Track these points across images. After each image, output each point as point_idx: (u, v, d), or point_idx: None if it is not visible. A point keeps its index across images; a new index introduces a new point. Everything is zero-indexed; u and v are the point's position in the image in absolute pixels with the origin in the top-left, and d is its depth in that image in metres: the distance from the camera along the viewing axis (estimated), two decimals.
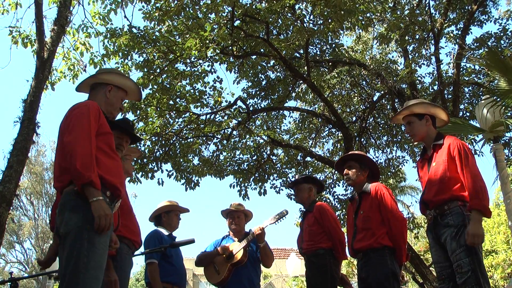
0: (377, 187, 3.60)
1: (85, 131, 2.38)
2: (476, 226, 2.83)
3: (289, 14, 8.15)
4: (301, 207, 10.45)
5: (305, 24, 7.99)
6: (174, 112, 8.97)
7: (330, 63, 9.80)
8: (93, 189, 2.28)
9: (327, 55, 9.83)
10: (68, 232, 2.28)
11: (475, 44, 9.43)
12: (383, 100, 10.30)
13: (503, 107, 4.94)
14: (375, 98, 10.36)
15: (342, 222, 10.18)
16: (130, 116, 8.50)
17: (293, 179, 4.73)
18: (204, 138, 9.59)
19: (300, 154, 10.29)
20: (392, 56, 10.46)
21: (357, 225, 3.60)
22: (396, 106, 9.82)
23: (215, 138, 9.63)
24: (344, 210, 10.22)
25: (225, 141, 9.63)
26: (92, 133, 2.40)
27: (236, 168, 10.03)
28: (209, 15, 7.92)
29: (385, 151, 10.78)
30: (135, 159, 7.93)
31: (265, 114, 10.39)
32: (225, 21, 7.93)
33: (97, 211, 2.25)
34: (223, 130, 9.44)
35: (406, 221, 3.54)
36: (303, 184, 4.29)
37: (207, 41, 7.59)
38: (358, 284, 3.65)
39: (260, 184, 10.03)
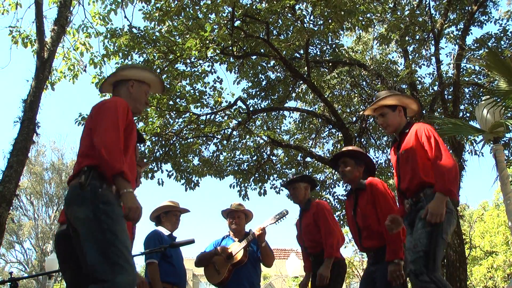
0: (371, 183, 3.56)
1: (114, 125, 2.41)
2: (437, 204, 2.82)
3: (289, 15, 8.15)
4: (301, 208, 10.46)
5: (305, 25, 7.99)
6: (174, 112, 8.97)
7: (330, 64, 9.80)
8: (123, 181, 2.30)
9: (327, 55, 9.84)
10: (82, 226, 2.30)
11: (475, 45, 9.44)
12: None
13: (503, 108, 4.93)
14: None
15: (342, 222, 10.20)
16: None
17: (288, 179, 4.69)
18: (204, 138, 9.59)
19: (300, 154, 10.29)
20: (392, 57, 10.49)
21: (358, 223, 3.58)
22: None
23: (215, 138, 9.63)
24: (344, 210, 10.22)
25: (225, 141, 9.63)
26: (121, 128, 2.44)
27: (236, 168, 10.03)
28: (209, 16, 7.92)
29: (385, 151, 10.79)
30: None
31: (265, 114, 10.39)
32: (225, 22, 7.93)
33: (128, 202, 2.27)
34: (223, 130, 9.44)
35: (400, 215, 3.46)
36: (299, 183, 4.26)
37: (207, 41, 7.59)
38: (362, 275, 3.63)
39: (260, 184, 10.04)
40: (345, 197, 10.29)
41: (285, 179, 10.39)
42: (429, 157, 3.00)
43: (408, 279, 3.21)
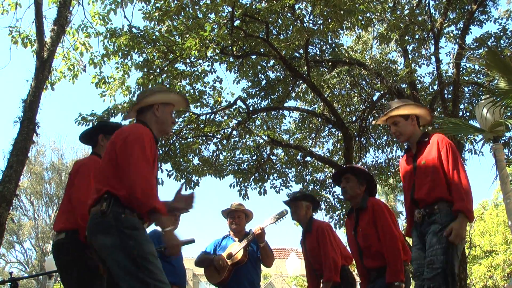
0: (374, 203, 3.56)
1: (146, 160, 2.41)
2: (461, 226, 2.84)
3: (289, 14, 8.15)
4: None
5: (305, 24, 7.99)
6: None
7: (330, 63, 9.79)
8: (160, 217, 2.36)
9: (327, 55, 9.83)
10: (110, 254, 2.28)
11: (475, 44, 9.43)
12: (383, 100, 10.30)
13: (503, 107, 4.94)
14: (375, 98, 10.36)
15: (342, 222, 10.20)
16: None
17: (290, 196, 4.67)
18: (204, 138, 9.59)
19: (300, 154, 10.29)
20: (392, 56, 10.47)
21: (359, 243, 3.57)
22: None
23: (215, 138, 9.63)
24: (343, 210, 10.22)
25: (225, 141, 9.63)
26: (150, 162, 2.44)
27: (236, 168, 10.03)
28: (209, 15, 7.92)
29: (385, 150, 10.79)
30: None
31: (265, 114, 10.39)
32: (225, 21, 7.93)
33: (169, 241, 2.40)
34: (223, 130, 9.44)
35: (400, 239, 3.39)
36: (301, 201, 4.22)
37: (207, 41, 7.59)
38: None
39: (260, 184, 10.04)
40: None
41: (285, 179, 10.39)
42: (447, 171, 2.99)
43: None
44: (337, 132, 10.83)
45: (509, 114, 5.47)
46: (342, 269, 3.95)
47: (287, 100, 10.31)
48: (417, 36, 8.72)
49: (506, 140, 9.25)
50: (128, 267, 2.23)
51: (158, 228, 4.10)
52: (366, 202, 3.59)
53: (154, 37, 8.15)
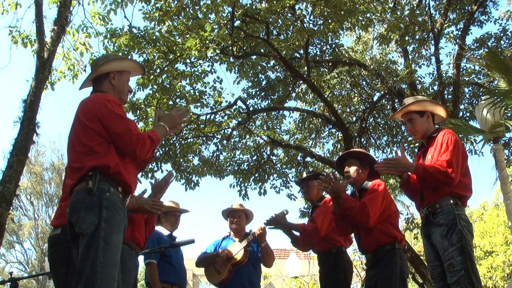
0: (375, 184, 3.56)
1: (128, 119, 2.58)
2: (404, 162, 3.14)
3: (289, 14, 8.15)
4: (301, 208, 10.37)
5: (305, 24, 7.99)
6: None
7: (330, 63, 9.79)
8: (160, 130, 2.68)
9: (327, 55, 9.83)
10: (86, 231, 2.29)
11: (475, 45, 9.43)
12: (383, 100, 10.30)
13: (503, 108, 4.94)
14: (375, 98, 10.36)
15: None
16: (130, 116, 8.50)
17: (302, 176, 4.67)
18: (204, 138, 9.59)
19: (300, 154, 10.29)
20: (392, 57, 10.47)
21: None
22: (396, 106, 9.82)
23: (215, 138, 9.64)
24: None
25: (225, 141, 9.64)
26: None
27: (236, 168, 10.03)
28: (209, 15, 7.92)
29: (385, 151, 10.78)
30: None
31: (265, 114, 10.39)
32: (225, 21, 7.93)
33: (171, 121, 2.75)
34: (223, 130, 9.44)
35: (370, 215, 3.31)
36: (313, 181, 4.18)
37: (207, 41, 7.59)
38: (365, 282, 3.64)
39: (260, 184, 10.03)
40: None
41: (285, 179, 10.39)
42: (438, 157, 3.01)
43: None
44: (337, 133, 10.82)
45: (509, 114, 5.46)
46: (341, 251, 3.97)
47: (287, 101, 10.32)
48: (417, 37, 8.72)
49: (506, 140, 9.23)
50: (92, 248, 2.24)
51: (159, 229, 4.17)
52: (368, 183, 3.60)
53: (154, 37, 8.16)
